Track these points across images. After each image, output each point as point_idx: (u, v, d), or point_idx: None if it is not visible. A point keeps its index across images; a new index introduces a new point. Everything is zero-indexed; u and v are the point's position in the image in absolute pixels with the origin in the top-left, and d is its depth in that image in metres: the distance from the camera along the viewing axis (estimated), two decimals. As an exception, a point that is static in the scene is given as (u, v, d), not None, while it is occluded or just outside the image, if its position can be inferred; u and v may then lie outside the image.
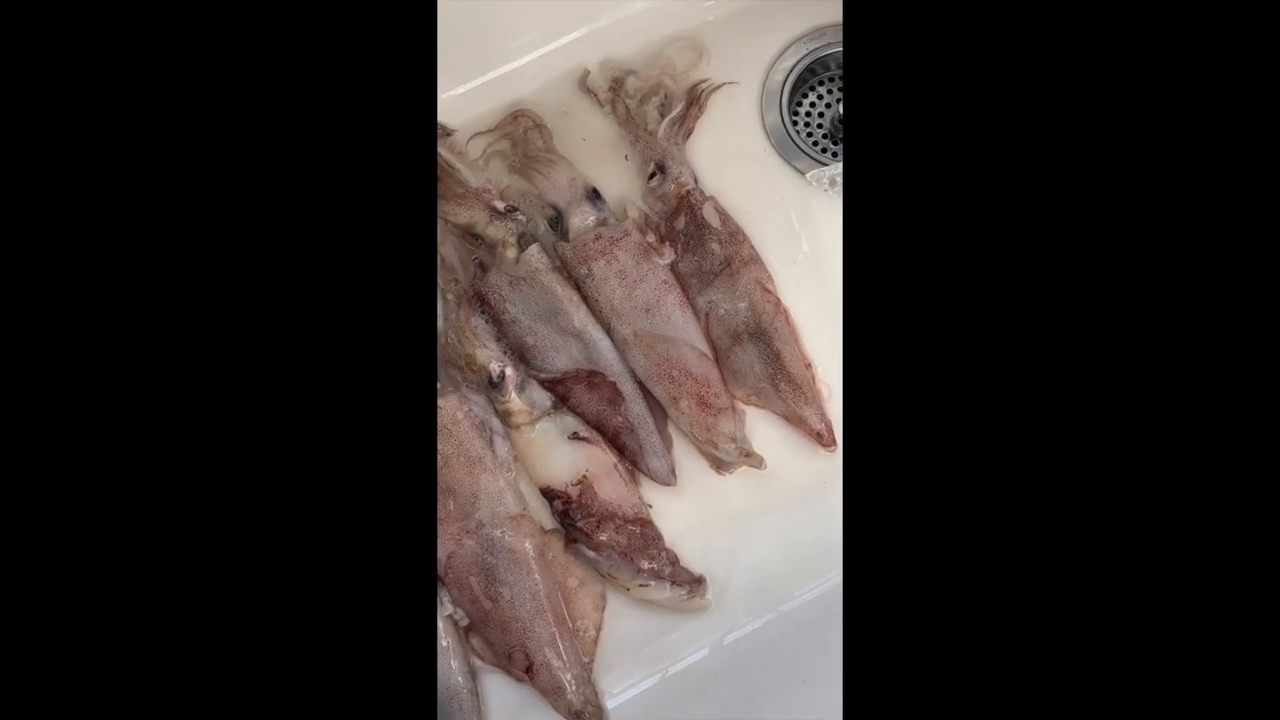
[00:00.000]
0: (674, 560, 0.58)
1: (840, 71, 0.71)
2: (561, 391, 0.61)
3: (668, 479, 0.60)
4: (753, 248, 0.63)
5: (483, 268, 0.64)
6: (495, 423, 0.61)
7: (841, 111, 0.69)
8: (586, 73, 0.70)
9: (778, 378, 0.60)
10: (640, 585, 0.57)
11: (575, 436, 0.60)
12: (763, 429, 0.61)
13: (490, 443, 0.60)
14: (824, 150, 0.69)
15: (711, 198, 0.64)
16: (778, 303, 0.61)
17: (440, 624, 0.57)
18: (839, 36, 0.70)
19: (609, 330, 0.62)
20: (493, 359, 0.61)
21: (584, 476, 0.59)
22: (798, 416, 0.59)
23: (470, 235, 0.65)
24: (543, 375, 0.62)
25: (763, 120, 0.69)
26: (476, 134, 0.69)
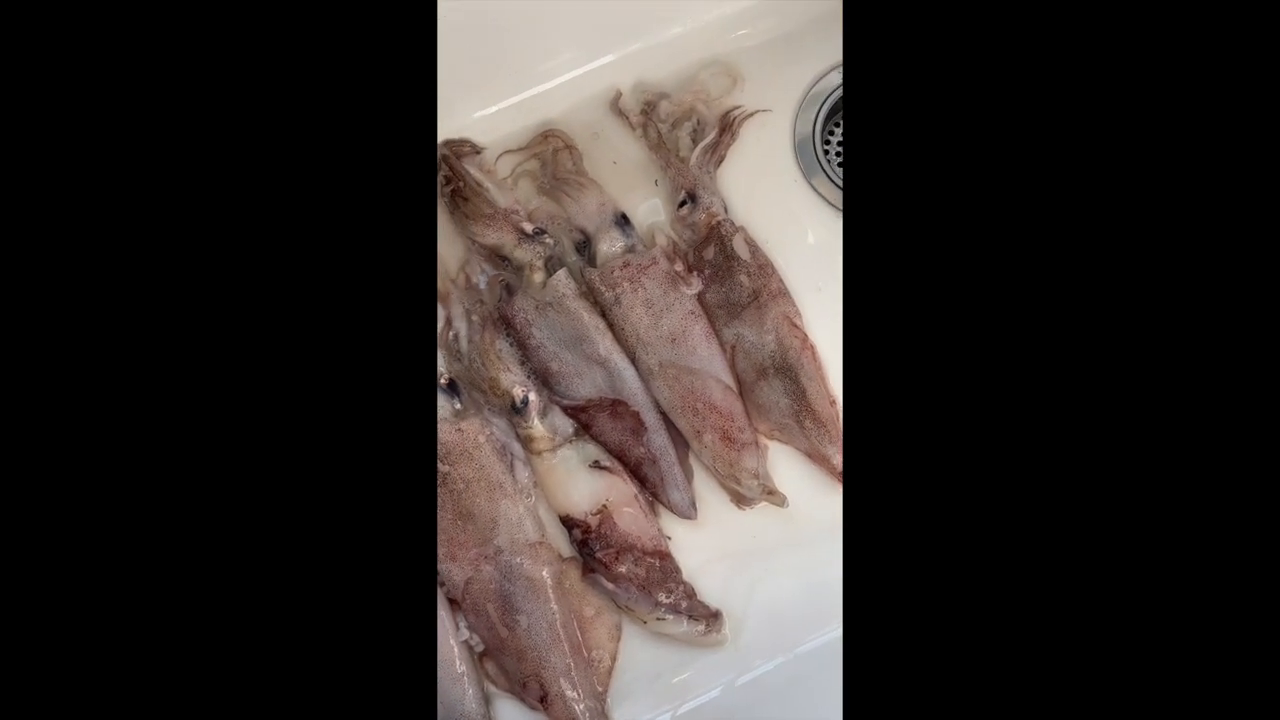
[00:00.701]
0: (691, 594, 0.58)
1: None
2: (584, 419, 0.61)
3: (688, 512, 0.60)
4: (781, 281, 0.62)
5: (509, 290, 0.64)
6: (516, 448, 0.61)
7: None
8: (618, 94, 0.70)
9: (802, 414, 0.59)
10: (657, 619, 0.57)
11: (596, 465, 0.60)
12: (785, 465, 0.61)
13: (511, 468, 0.60)
14: (855, 182, 0.68)
15: (742, 229, 0.64)
16: (805, 338, 0.61)
17: (455, 649, 0.57)
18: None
19: (634, 359, 0.61)
20: (516, 383, 0.61)
21: (604, 506, 0.59)
22: (821, 454, 0.59)
23: (497, 257, 0.65)
24: (566, 402, 0.61)
25: (795, 150, 0.68)
26: (505, 152, 0.69)
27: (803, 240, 0.66)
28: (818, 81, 0.70)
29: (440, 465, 0.58)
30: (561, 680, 0.55)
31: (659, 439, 0.60)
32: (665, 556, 0.59)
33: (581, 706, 0.55)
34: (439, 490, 0.58)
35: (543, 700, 0.55)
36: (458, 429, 0.59)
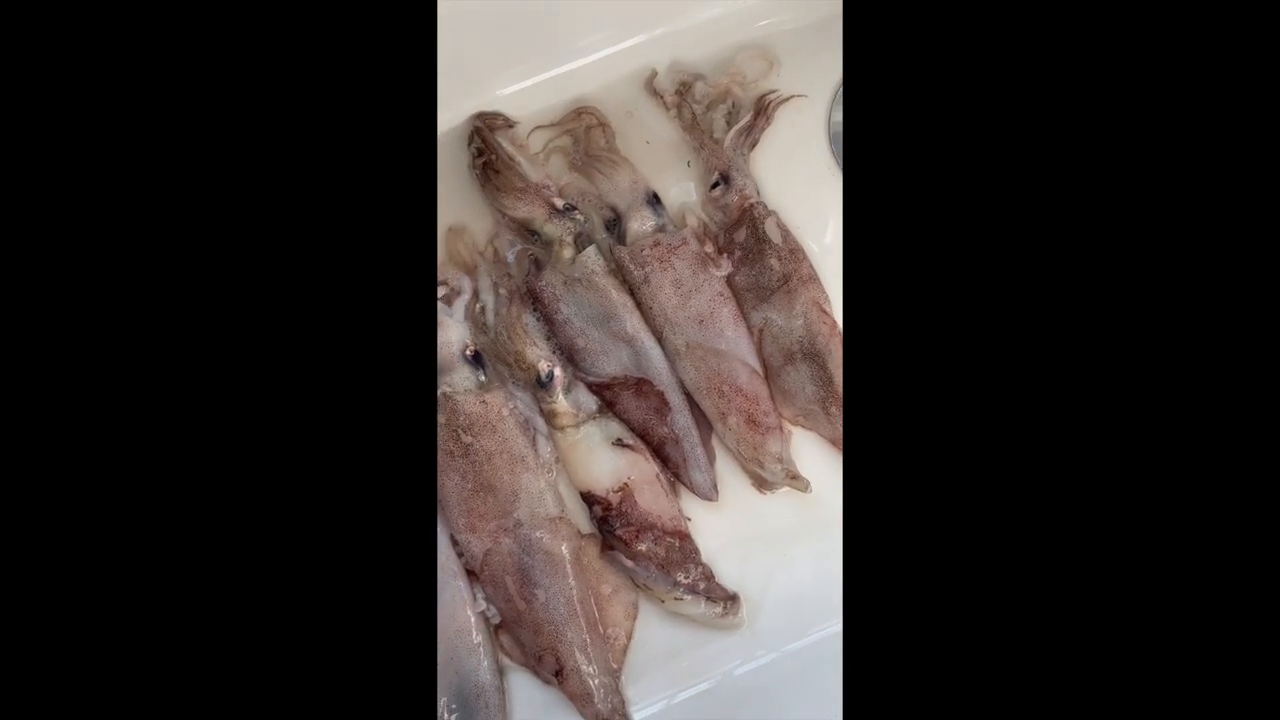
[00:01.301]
0: (709, 576, 0.58)
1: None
2: (609, 397, 0.61)
3: (709, 494, 0.60)
4: (812, 267, 0.62)
5: (537, 265, 0.64)
6: (540, 422, 0.61)
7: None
8: (653, 74, 0.69)
9: (828, 401, 0.59)
10: (675, 598, 0.57)
11: (619, 443, 0.60)
12: (807, 451, 0.60)
13: (533, 442, 0.60)
14: (888, 172, 0.68)
15: (774, 213, 0.63)
16: (834, 324, 0.60)
17: (472, 619, 0.57)
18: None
19: (661, 339, 0.61)
20: (542, 358, 0.61)
21: (625, 484, 0.59)
22: (845, 442, 0.59)
23: (526, 231, 0.65)
24: (590, 378, 0.61)
25: (829, 136, 0.68)
26: (538, 127, 0.69)
27: (832, 225, 0.65)
28: (854, 69, 0.69)
29: (463, 436, 0.58)
30: (578, 654, 0.55)
31: (683, 419, 0.60)
32: (685, 537, 0.59)
33: (596, 682, 0.55)
34: (461, 461, 0.58)
35: (558, 674, 0.55)
36: (482, 401, 0.59)
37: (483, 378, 0.60)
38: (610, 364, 0.61)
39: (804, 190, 0.66)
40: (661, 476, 0.60)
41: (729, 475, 0.61)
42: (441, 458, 0.58)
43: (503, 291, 0.64)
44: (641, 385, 0.60)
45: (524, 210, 0.64)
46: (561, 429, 0.61)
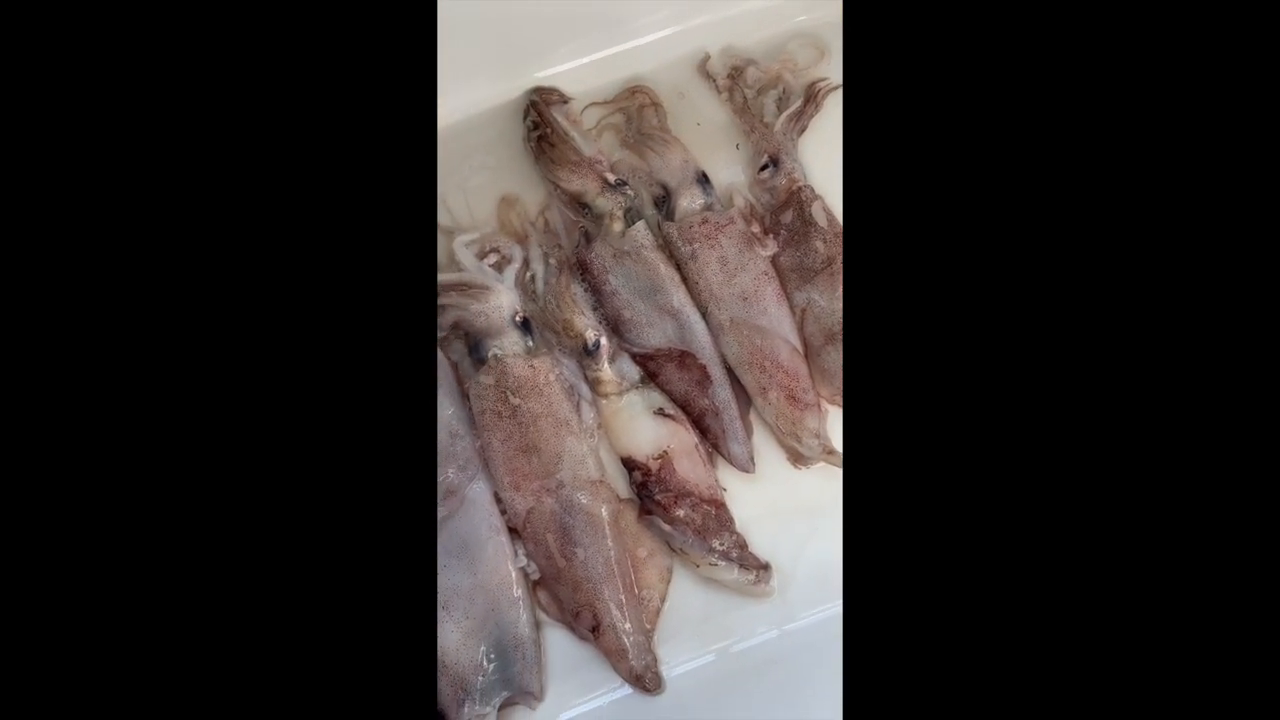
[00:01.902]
0: (743, 545, 0.60)
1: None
2: (652, 368, 0.63)
3: (746, 466, 0.61)
4: (855, 251, 0.64)
5: (587, 237, 0.66)
6: (584, 389, 0.63)
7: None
8: (707, 57, 0.71)
9: (866, 381, 0.61)
10: (710, 564, 0.58)
11: (660, 413, 0.62)
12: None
13: (577, 407, 0.62)
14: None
15: (820, 197, 0.65)
16: (874, 308, 0.62)
17: (513, 574, 0.59)
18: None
19: (705, 314, 0.63)
20: (589, 327, 0.63)
21: (665, 452, 0.61)
22: (881, 421, 0.60)
23: (578, 204, 0.67)
24: (635, 349, 0.63)
25: (876, 126, 0.69)
26: (592, 104, 0.70)
27: (877, 214, 0.67)
28: (903, 61, 0.71)
29: (511, 398, 0.60)
30: (614, 612, 0.57)
31: (723, 392, 0.62)
32: (720, 506, 0.60)
33: (631, 640, 0.57)
34: (508, 421, 0.60)
35: (594, 630, 0.57)
36: (530, 365, 0.61)
37: (530, 343, 0.62)
38: (655, 336, 0.63)
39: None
40: (700, 447, 0.61)
41: (766, 449, 0.62)
42: (489, 418, 0.60)
43: (553, 261, 0.65)
44: (684, 358, 0.62)
45: (577, 183, 0.66)
46: (605, 396, 0.62)
